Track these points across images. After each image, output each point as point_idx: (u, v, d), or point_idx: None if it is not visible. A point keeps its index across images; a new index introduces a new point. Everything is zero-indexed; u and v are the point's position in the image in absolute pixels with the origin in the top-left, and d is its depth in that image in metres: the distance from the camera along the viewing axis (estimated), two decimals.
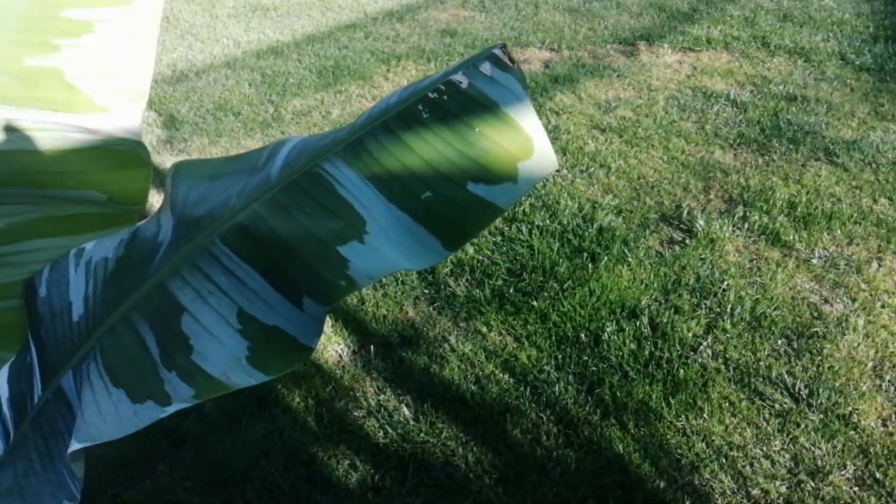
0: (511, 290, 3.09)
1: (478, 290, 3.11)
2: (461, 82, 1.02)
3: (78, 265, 1.09)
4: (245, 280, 0.99)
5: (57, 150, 1.09)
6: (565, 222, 3.46)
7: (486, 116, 0.99)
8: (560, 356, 2.79)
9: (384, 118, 1.02)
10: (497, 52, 1.03)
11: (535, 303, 3.02)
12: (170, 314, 1.00)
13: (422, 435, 2.53)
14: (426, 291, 3.16)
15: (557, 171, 3.89)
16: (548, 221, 3.47)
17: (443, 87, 1.02)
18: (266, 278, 1.00)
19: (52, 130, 1.09)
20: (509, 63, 1.02)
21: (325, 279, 0.98)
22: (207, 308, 0.98)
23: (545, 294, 3.06)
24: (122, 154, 1.13)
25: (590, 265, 3.20)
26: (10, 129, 1.06)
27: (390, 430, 2.55)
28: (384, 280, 3.24)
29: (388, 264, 0.95)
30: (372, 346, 2.89)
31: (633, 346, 2.80)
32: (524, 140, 0.97)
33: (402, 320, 3.03)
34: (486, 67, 1.02)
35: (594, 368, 2.72)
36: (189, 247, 1.02)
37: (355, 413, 2.63)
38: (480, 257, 3.29)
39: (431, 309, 3.07)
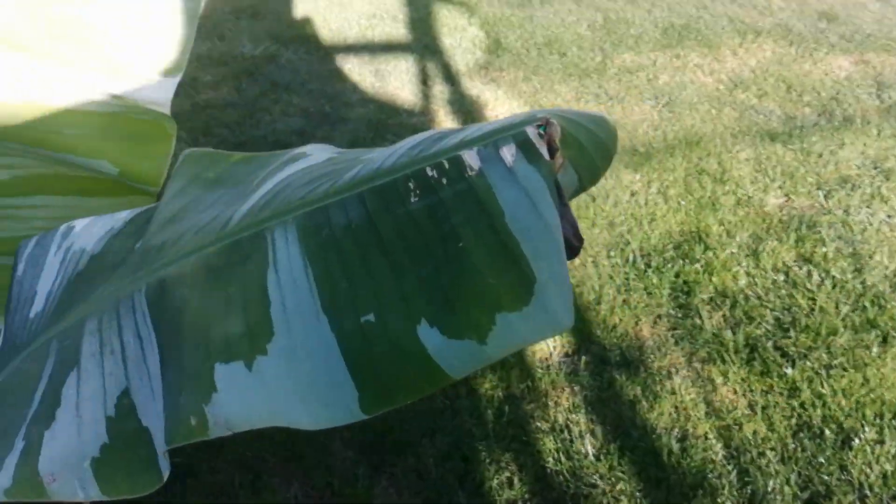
0: (769, 345, 2.61)
1: (730, 332, 2.66)
2: (471, 165, 0.75)
3: (60, 246, 0.95)
4: (146, 352, 0.79)
5: (71, 109, 0.98)
6: (870, 283, 2.82)
7: (482, 228, 0.72)
8: (792, 446, 2.30)
9: (368, 185, 0.78)
10: (530, 130, 0.73)
11: (790, 370, 2.51)
12: (64, 364, 0.81)
13: (595, 477, 2.26)
14: (671, 313, 2.78)
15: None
16: (849, 276, 2.85)
17: (446, 165, 0.76)
18: (161, 360, 0.78)
19: (69, 88, 0.98)
20: (543, 153, 0.73)
21: (181, 404, 0.73)
22: (98, 373, 0.79)
23: (808, 364, 2.53)
24: (144, 126, 1.00)
25: (876, 347, 2.58)
26: (24, 80, 0.96)
27: (564, 459, 2.31)
28: (630, 284, 2.91)
29: (266, 413, 0.69)
30: (585, 357, 2.62)
31: (887, 467, 2.22)
32: (522, 281, 0.70)
33: (633, 337, 2.71)
34: (510, 153, 0.73)
35: (826, 477, 2.21)
36: (124, 282, 0.85)
37: (537, 424, 2.42)
38: (750, 293, 2.81)
39: (669, 335, 2.70)
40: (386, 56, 4.80)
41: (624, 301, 2.84)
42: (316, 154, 0.92)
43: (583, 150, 0.76)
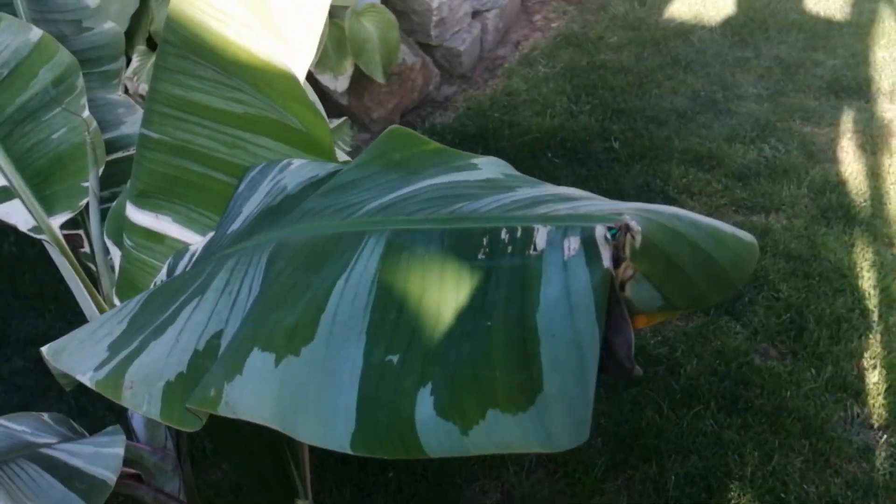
0: None
1: None
2: (536, 243, 0.69)
3: (274, 178, 1.05)
4: (248, 306, 0.89)
5: (265, 60, 1.08)
6: None
7: (512, 314, 0.67)
8: None
9: (455, 224, 0.76)
10: (598, 230, 0.66)
11: None
12: (199, 288, 0.92)
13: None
14: None
15: None
16: None
17: (518, 233, 0.71)
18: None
19: (258, 37, 1.07)
20: (603, 259, 0.65)
21: (214, 371, 0.81)
22: (210, 308, 0.89)
23: None
24: (306, 97, 1.08)
25: None
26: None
27: None
28: None
29: (269, 412, 0.73)
30: None
31: None
32: (528, 385, 0.65)
33: None
34: (572, 245, 0.67)
35: None
36: (272, 232, 0.95)
37: None
38: None
39: None
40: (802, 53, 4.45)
41: None
42: (483, 170, 0.92)
43: (672, 269, 0.67)
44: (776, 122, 3.88)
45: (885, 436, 2.33)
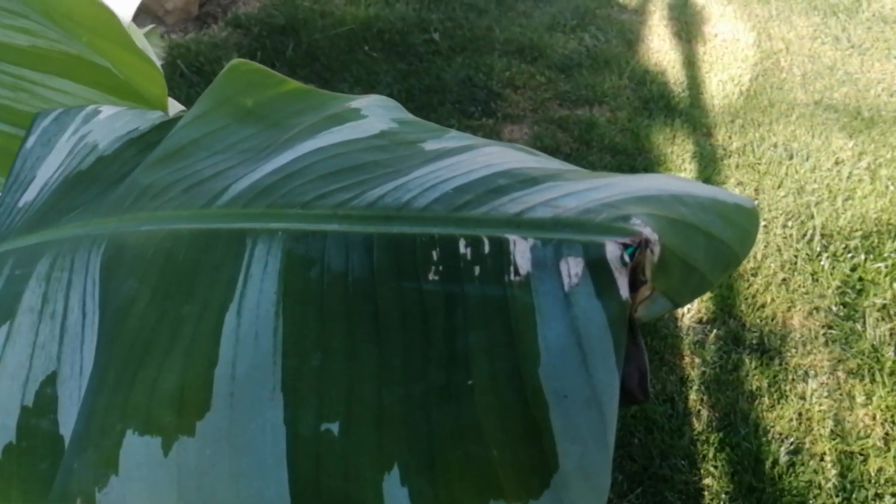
0: None
1: (892, 351, 2.32)
2: (517, 264, 0.50)
3: (77, 131, 0.79)
4: (85, 335, 0.62)
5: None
6: None
7: (503, 369, 0.49)
8: None
9: (384, 227, 0.55)
10: (611, 249, 0.48)
11: None
12: (1, 307, 0.65)
13: (683, 462, 2.07)
14: (832, 309, 2.45)
15: None
16: None
17: (486, 247, 0.51)
18: (95, 360, 0.61)
19: None
20: (620, 290, 0.48)
21: (75, 469, 0.56)
22: (29, 339, 0.62)
23: None
24: (127, 35, 0.83)
25: None
26: None
27: (657, 432, 2.13)
28: (797, 264, 2.58)
29: None
30: (718, 329, 2.37)
31: None
32: (538, 464, 0.48)
33: (779, 323, 2.42)
34: (573, 270, 0.49)
35: None
36: (95, 219, 0.69)
37: None
38: None
39: (821, 333, 2.39)
40: None
41: (783, 280, 2.53)
42: (371, 118, 0.69)
43: (689, 272, 0.52)
44: (595, 9, 3.81)
45: (713, 329, 2.39)
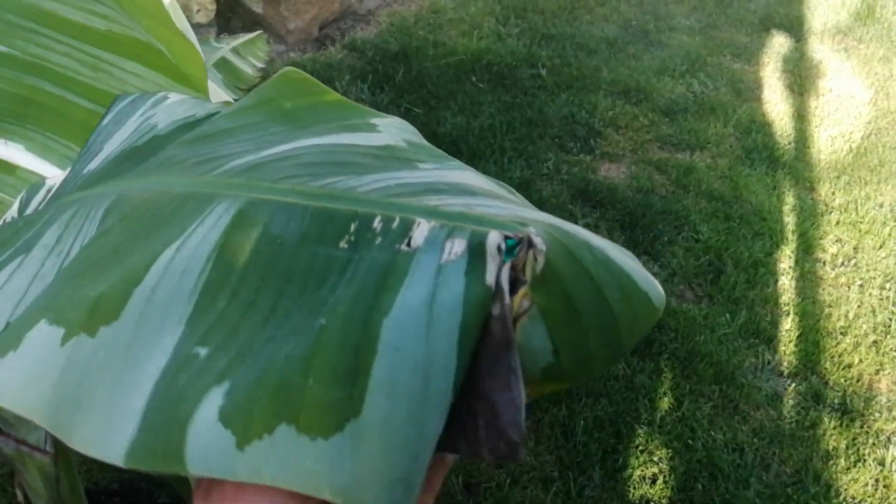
0: None
1: None
2: (413, 238, 0.53)
3: (144, 113, 0.88)
4: None
5: None
6: None
7: (356, 315, 0.51)
8: None
9: (324, 202, 0.60)
10: (492, 237, 0.50)
11: None
12: (28, 243, 0.74)
13: None
14: None
15: None
16: None
17: (395, 223, 0.55)
18: None
19: None
20: (488, 275, 0.49)
21: None
22: (34, 270, 0.71)
23: None
24: (171, 19, 0.90)
25: None
26: None
27: (721, 481, 2.09)
28: (891, 326, 2.48)
29: (34, 400, 0.56)
30: (799, 384, 2.31)
31: None
32: (342, 406, 0.49)
33: (865, 385, 2.34)
34: (455, 249, 0.51)
35: None
36: (121, 180, 0.77)
37: (711, 433, 2.20)
38: None
39: None
40: None
41: (874, 342, 2.45)
42: (383, 134, 0.74)
43: (570, 313, 0.52)
44: (706, 56, 3.80)
45: (793, 384, 2.33)
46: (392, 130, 0.75)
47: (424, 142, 0.76)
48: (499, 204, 0.59)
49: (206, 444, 0.50)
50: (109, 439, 0.53)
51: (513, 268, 0.50)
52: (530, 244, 0.49)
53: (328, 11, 3.87)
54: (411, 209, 0.58)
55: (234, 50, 2.39)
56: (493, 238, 0.50)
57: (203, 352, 0.55)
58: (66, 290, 0.63)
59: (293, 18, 3.71)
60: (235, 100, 0.88)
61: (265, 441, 0.49)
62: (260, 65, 2.30)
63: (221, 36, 2.64)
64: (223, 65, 2.31)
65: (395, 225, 0.56)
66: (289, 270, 0.58)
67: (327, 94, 0.81)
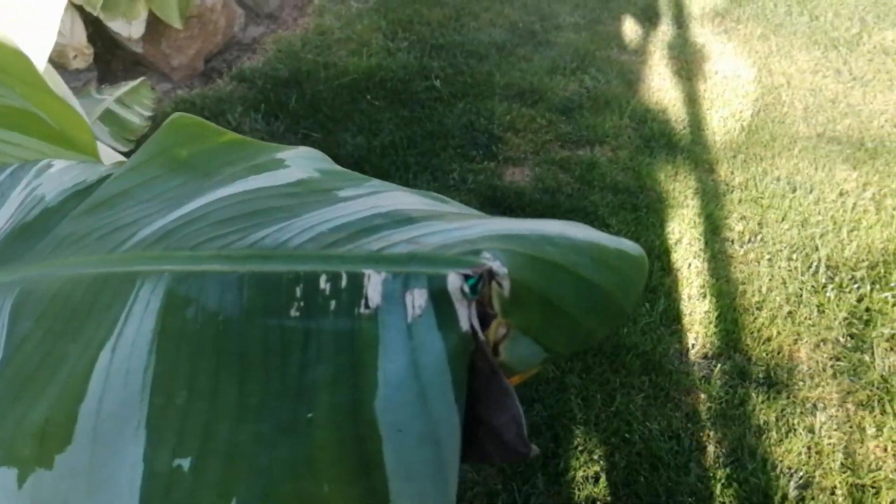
0: None
1: None
2: (369, 297, 0.50)
3: (28, 184, 0.81)
4: None
5: (8, 47, 0.83)
6: None
7: (342, 402, 0.49)
8: None
9: (258, 266, 0.55)
10: (452, 280, 0.48)
11: None
12: None
13: (690, 500, 2.04)
14: (839, 341, 2.42)
15: None
16: None
17: (343, 281, 0.51)
18: None
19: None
20: (461, 321, 0.47)
21: None
22: None
23: None
24: (45, 82, 0.85)
25: None
26: None
27: (662, 469, 2.10)
28: (802, 296, 2.55)
29: None
30: (724, 364, 2.35)
31: None
32: (367, 502, 0.47)
33: (786, 356, 2.39)
34: (417, 302, 0.49)
35: None
36: (21, 266, 0.69)
37: (647, 423, 2.21)
38: None
39: (829, 364, 2.36)
40: None
41: (789, 313, 2.51)
42: (292, 168, 0.70)
43: (554, 313, 0.51)
44: (595, 51, 3.85)
45: (718, 364, 2.36)
46: (301, 162, 0.70)
47: (336, 167, 0.72)
48: (442, 226, 0.55)
49: None
50: None
51: (479, 303, 0.48)
52: (491, 275, 0.48)
53: (211, 44, 3.77)
54: (354, 260, 0.53)
55: (119, 100, 2.29)
56: (454, 282, 0.48)
57: (186, 464, 0.50)
58: (6, 421, 0.56)
59: (176, 55, 3.60)
60: (127, 153, 0.81)
61: None
62: (147, 113, 2.21)
63: (103, 86, 2.52)
64: (109, 117, 2.21)
65: (343, 283, 0.52)
66: (242, 350, 0.53)
67: (223, 134, 0.76)
